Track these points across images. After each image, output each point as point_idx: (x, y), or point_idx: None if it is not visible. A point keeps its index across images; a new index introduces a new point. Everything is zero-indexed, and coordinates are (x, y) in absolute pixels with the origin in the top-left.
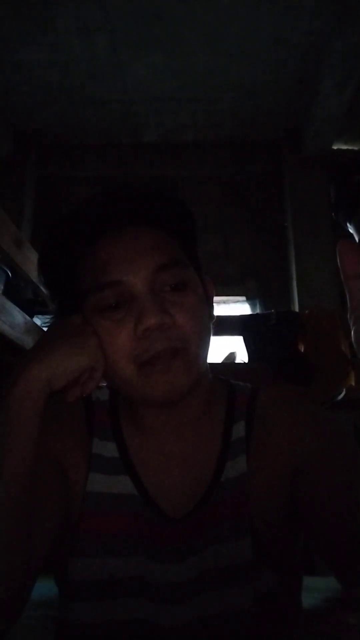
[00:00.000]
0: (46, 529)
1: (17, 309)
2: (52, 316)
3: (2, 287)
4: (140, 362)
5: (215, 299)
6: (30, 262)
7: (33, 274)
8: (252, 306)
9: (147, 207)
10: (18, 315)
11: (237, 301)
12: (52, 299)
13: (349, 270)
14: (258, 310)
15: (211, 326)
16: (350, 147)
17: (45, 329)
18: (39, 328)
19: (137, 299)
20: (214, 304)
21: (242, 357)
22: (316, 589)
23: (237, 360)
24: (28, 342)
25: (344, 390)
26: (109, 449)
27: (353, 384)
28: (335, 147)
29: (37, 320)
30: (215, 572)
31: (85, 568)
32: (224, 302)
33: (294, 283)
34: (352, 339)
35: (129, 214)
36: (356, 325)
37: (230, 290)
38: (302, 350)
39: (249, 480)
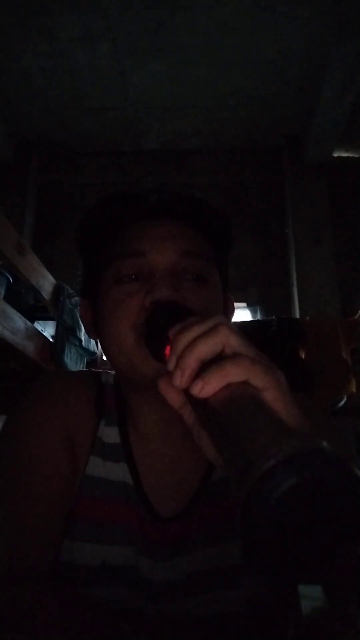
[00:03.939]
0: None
1: (18, 314)
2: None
3: (3, 293)
4: (139, 333)
5: None
6: (32, 268)
7: (34, 279)
8: (253, 312)
9: (195, 209)
10: (19, 321)
11: (238, 307)
12: (82, 268)
13: (177, 404)
14: (259, 317)
15: None
16: (350, 155)
17: (46, 334)
18: (40, 333)
19: (155, 275)
20: None
21: None
22: (315, 598)
23: None
24: (29, 347)
25: (345, 397)
26: (113, 434)
27: (354, 390)
28: (335, 155)
29: (38, 326)
30: (204, 574)
31: (78, 552)
32: None
33: (295, 290)
34: (205, 451)
35: (178, 208)
36: (201, 439)
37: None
38: (303, 357)
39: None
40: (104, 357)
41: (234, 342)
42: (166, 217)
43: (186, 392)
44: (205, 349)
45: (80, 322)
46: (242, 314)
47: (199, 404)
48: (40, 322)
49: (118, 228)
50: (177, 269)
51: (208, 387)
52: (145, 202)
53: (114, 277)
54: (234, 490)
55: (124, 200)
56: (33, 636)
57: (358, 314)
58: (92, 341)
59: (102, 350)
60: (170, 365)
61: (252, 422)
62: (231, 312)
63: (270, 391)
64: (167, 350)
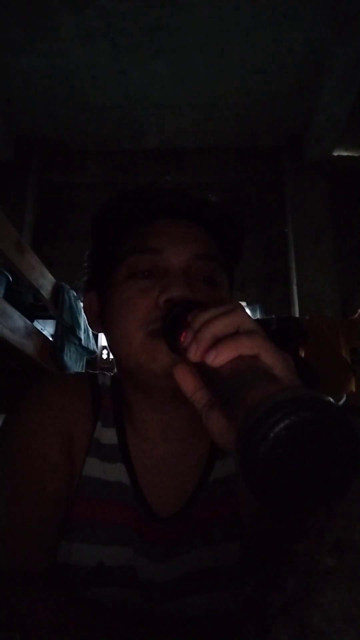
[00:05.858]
0: (59, 508)
1: (18, 313)
2: (83, 279)
3: (2, 292)
4: (149, 331)
5: None
6: (31, 267)
7: (34, 278)
8: (253, 312)
9: (210, 213)
10: (19, 320)
11: None
12: (91, 260)
13: (190, 390)
14: (258, 316)
15: None
16: (350, 154)
17: (45, 333)
18: (40, 332)
19: (168, 274)
20: None
21: None
22: None
23: None
24: (28, 346)
25: (345, 396)
26: (110, 435)
27: (353, 390)
28: (335, 154)
29: (38, 325)
30: (201, 574)
31: (75, 553)
32: None
33: (295, 289)
34: (212, 436)
35: (193, 209)
36: (209, 422)
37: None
38: (303, 356)
39: (238, 481)
40: (104, 356)
41: (248, 325)
42: (182, 218)
43: (199, 367)
44: (221, 326)
45: (80, 321)
46: None
47: (210, 375)
48: (40, 321)
49: (134, 224)
50: (190, 270)
51: (221, 357)
52: (164, 201)
53: (128, 271)
54: (236, 441)
55: (142, 197)
56: (31, 636)
57: (358, 314)
58: (92, 340)
59: (106, 344)
60: (188, 339)
61: (256, 381)
62: None
63: (278, 369)
64: (183, 336)
